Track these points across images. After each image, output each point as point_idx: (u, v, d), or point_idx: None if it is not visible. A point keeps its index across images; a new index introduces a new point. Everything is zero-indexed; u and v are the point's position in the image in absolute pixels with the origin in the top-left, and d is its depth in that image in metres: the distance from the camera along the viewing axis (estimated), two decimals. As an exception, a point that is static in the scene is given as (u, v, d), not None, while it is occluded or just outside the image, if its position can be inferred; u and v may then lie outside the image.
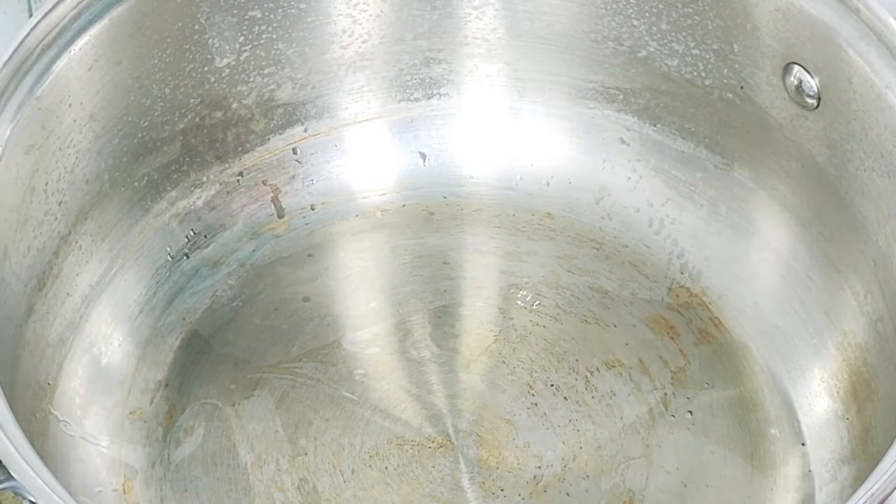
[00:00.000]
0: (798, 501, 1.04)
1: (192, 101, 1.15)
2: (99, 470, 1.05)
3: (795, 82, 1.07)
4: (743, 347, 1.13)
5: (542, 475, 1.05)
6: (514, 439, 1.08)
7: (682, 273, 1.17)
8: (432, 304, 1.16)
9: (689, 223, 1.18)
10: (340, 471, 1.06)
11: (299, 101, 1.21)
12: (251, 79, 1.17)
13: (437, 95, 1.23)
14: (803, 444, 1.07)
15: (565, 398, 1.10)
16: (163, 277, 1.16)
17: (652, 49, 1.15)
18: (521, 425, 1.08)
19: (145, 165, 1.14)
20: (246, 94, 1.18)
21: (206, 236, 1.19)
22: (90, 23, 1.04)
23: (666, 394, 1.11)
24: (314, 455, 1.07)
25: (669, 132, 1.19)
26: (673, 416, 1.09)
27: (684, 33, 1.12)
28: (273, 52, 1.17)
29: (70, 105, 1.05)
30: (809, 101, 1.06)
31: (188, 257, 1.18)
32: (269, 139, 1.21)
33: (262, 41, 1.16)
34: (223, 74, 1.15)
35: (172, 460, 1.08)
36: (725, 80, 1.12)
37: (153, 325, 1.14)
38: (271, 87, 1.19)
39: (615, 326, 1.14)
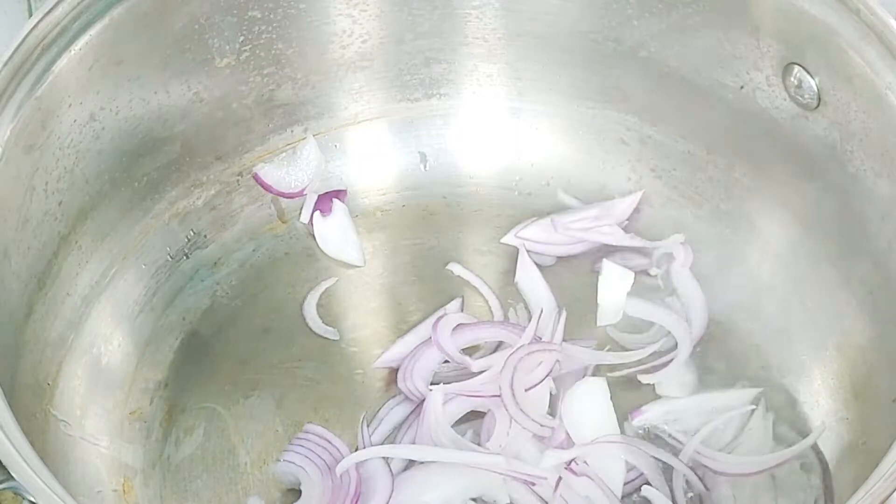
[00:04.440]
0: (800, 500, 1.04)
1: (191, 101, 1.15)
2: (99, 470, 1.05)
3: (795, 82, 1.07)
4: (743, 347, 1.13)
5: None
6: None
7: (682, 273, 1.18)
8: (432, 303, 1.16)
9: (689, 223, 1.18)
10: (340, 471, 1.06)
11: (299, 101, 1.21)
12: (251, 79, 1.17)
13: (437, 95, 1.23)
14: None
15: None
16: (163, 277, 1.16)
17: (652, 49, 1.15)
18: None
19: (145, 165, 1.14)
20: (246, 94, 1.18)
21: (206, 236, 1.19)
22: (90, 23, 1.04)
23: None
24: (314, 455, 1.08)
25: (669, 132, 1.19)
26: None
27: (684, 33, 1.12)
28: (273, 52, 1.17)
29: (70, 105, 1.05)
30: (809, 101, 1.06)
31: (188, 257, 1.18)
32: (269, 139, 1.21)
33: (262, 41, 1.16)
34: (223, 74, 1.15)
35: (172, 460, 1.08)
36: (725, 80, 1.12)
37: (153, 325, 1.14)
38: (271, 87, 1.19)
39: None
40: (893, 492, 0.86)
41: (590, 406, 1.06)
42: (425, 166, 1.23)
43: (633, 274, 1.14)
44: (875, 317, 1.05)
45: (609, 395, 1.06)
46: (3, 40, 1.01)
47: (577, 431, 1.04)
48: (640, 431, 1.07)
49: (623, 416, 1.07)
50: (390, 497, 1.02)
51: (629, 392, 1.09)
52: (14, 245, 1.02)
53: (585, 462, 1.02)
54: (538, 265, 1.17)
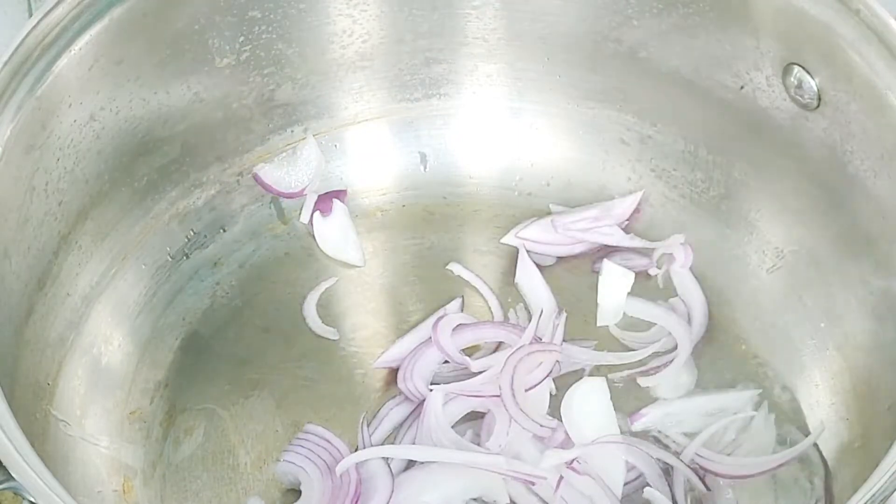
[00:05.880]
0: (800, 501, 1.04)
1: (191, 101, 1.15)
2: (99, 470, 1.05)
3: (795, 82, 1.07)
4: (743, 347, 1.13)
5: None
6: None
7: (682, 273, 1.18)
8: (432, 303, 1.16)
9: (688, 223, 1.18)
10: (340, 471, 1.06)
11: (299, 101, 1.21)
12: (251, 79, 1.17)
13: (437, 95, 1.23)
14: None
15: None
16: (163, 277, 1.16)
17: (652, 49, 1.15)
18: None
19: (145, 165, 1.14)
20: (246, 94, 1.18)
21: (206, 236, 1.19)
22: (90, 23, 1.04)
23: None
24: (314, 455, 1.08)
25: (669, 132, 1.19)
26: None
27: (684, 33, 1.12)
28: (273, 52, 1.17)
29: (70, 105, 1.05)
30: (809, 101, 1.06)
31: (188, 257, 1.18)
32: (269, 139, 1.21)
33: (262, 41, 1.16)
34: (223, 74, 1.15)
35: (172, 460, 1.08)
36: (725, 81, 1.12)
37: (153, 325, 1.14)
38: (271, 87, 1.19)
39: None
40: (893, 492, 0.86)
41: (590, 406, 1.06)
42: (425, 166, 1.23)
43: (633, 274, 1.14)
44: (875, 317, 1.05)
45: (609, 395, 1.06)
46: (3, 40, 1.01)
47: (577, 431, 1.04)
48: (641, 432, 1.07)
49: (623, 418, 1.07)
50: (390, 497, 1.02)
51: (629, 393, 1.10)
52: (14, 245, 1.02)
53: (586, 462, 1.02)
54: (538, 265, 1.17)
